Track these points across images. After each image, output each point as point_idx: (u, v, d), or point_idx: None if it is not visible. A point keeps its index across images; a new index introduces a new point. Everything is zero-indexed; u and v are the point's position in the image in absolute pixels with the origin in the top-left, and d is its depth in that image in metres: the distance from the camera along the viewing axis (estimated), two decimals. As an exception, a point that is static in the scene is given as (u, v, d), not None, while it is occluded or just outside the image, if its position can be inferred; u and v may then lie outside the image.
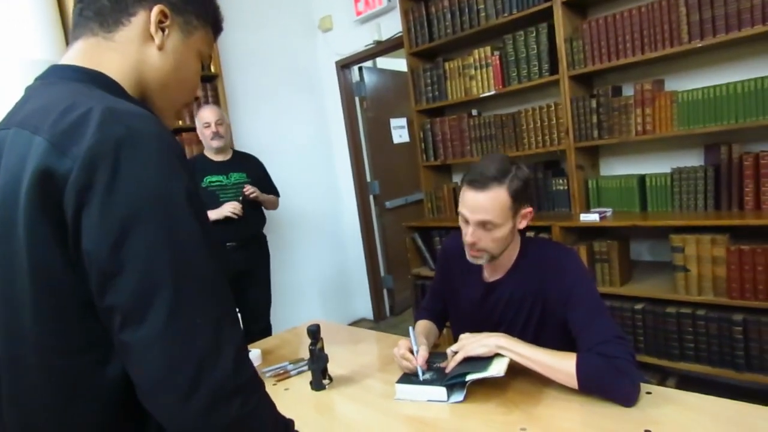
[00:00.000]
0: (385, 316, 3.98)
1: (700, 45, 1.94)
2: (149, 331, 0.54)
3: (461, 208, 1.25)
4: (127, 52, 0.68)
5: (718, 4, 1.89)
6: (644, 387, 1.09)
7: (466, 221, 1.24)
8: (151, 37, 0.69)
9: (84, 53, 0.68)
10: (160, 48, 0.70)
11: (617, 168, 2.46)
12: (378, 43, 3.35)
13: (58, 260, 0.56)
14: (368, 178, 3.84)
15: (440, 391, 1.16)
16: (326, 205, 3.85)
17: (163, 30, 0.70)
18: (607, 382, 1.04)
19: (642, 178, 2.25)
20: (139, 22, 0.68)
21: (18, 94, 0.71)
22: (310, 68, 3.74)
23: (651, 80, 2.15)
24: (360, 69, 3.75)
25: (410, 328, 1.34)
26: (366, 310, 3.98)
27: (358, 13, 3.37)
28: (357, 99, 3.77)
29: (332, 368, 1.35)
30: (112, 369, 0.59)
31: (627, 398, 1.04)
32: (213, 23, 0.77)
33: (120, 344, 0.55)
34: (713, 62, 2.10)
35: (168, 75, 0.72)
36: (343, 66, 3.67)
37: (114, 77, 0.67)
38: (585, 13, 2.40)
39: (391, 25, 3.22)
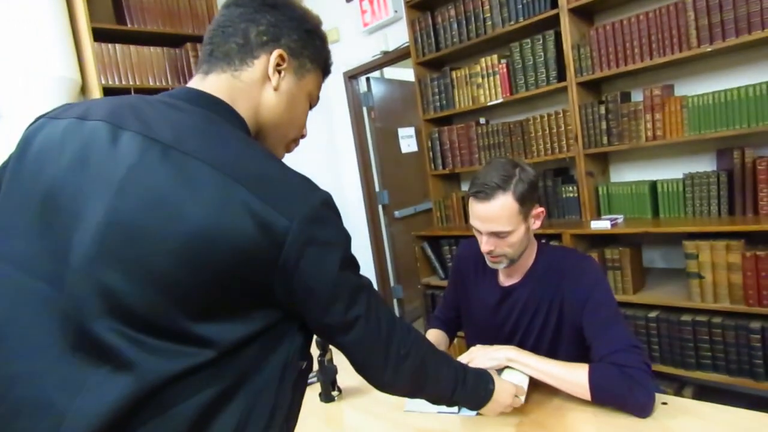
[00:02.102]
0: (396, 326, 3.95)
1: (709, 49, 1.92)
2: (355, 336, 0.73)
3: (472, 220, 1.24)
4: (251, 93, 0.76)
5: (727, 8, 1.88)
6: (660, 397, 1.06)
7: (480, 231, 1.23)
8: (269, 79, 0.76)
9: (222, 89, 0.74)
10: (276, 89, 0.77)
11: (628, 174, 2.44)
12: (385, 53, 3.36)
13: (258, 277, 0.64)
14: (377, 188, 3.84)
15: (450, 403, 1.14)
16: (335, 216, 3.85)
17: (279, 72, 0.77)
18: (621, 392, 1.02)
19: (653, 184, 2.22)
20: (260, 64, 0.75)
21: (39, 108, 0.74)
22: (318, 79, 3.77)
23: (660, 85, 2.14)
24: (367, 79, 3.76)
25: None
26: (376, 320, 3.95)
27: (365, 25, 3.40)
28: (365, 109, 3.78)
29: (341, 380, 1.34)
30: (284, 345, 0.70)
31: (642, 409, 1.01)
32: (323, 67, 0.85)
33: (336, 344, 0.75)
34: (723, 66, 2.08)
35: (281, 115, 0.79)
36: (351, 77, 3.69)
37: (243, 116, 0.75)
38: (592, 19, 2.40)
39: (398, 36, 3.24)
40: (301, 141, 0.91)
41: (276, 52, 0.76)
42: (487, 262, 1.29)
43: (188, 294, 0.61)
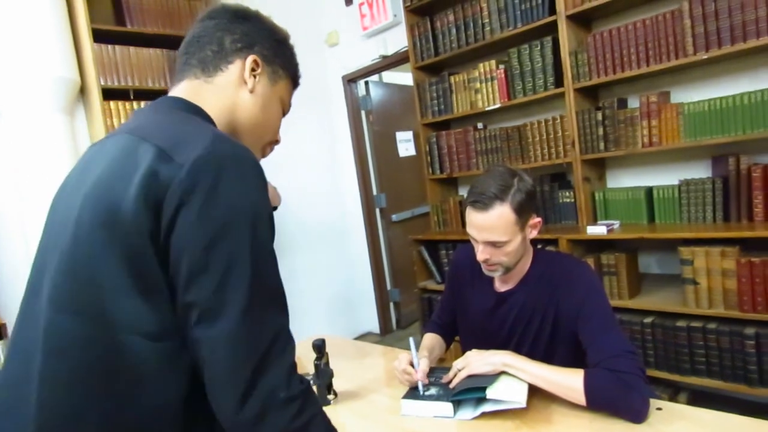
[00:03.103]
0: (392, 330, 3.95)
1: (705, 57, 1.94)
2: (219, 330, 0.59)
3: (468, 228, 1.25)
4: (223, 94, 0.79)
5: (723, 16, 1.89)
6: (654, 403, 1.07)
7: (476, 240, 1.24)
8: (245, 82, 0.80)
9: (189, 91, 0.79)
10: (251, 91, 0.81)
11: (624, 180, 2.45)
12: (384, 57, 3.38)
13: (150, 249, 0.61)
14: (375, 191, 3.85)
15: (447, 407, 1.15)
16: (333, 219, 3.85)
17: (254, 76, 0.81)
18: (616, 398, 1.03)
19: (649, 190, 2.23)
20: (235, 69, 0.80)
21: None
22: (316, 82, 3.77)
23: (657, 92, 2.15)
24: (366, 83, 3.78)
25: (410, 340, 1.33)
26: (372, 323, 3.96)
27: (365, 28, 3.41)
28: (363, 113, 3.80)
29: (337, 383, 1.34)
30: (181, 363, 0.63)
31: (637, 414, 1.02)
32: (293, 77, 0.89)
33: (192, 340, 0.61)
34: (719, 74, 2.10)
35: (256, 115, 0.82)
36: (350, 80, 3.70)
37: (210, 114, 0.78)
38: (589, 26, 2.41)
39: (397, 40, 3.25)
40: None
41: (251, 57, 0.80)
42: (483, 270, 1.30)
43: (106, 265, 0.62)
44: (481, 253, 1.23)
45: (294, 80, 0.90)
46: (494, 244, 1.21)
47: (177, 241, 0.60)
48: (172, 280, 0.61)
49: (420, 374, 1.22)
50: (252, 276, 0.61)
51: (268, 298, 0.64)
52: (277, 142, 0.90)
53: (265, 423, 0.60)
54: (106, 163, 0.67)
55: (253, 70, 0.81)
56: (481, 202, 1.18)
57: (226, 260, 0.60)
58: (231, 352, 0.59)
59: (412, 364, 1.25)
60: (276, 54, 0.84)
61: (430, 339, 1.48)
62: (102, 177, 0.66)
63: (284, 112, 0.90)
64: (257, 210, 0.64)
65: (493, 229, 1.19)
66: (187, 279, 0.59)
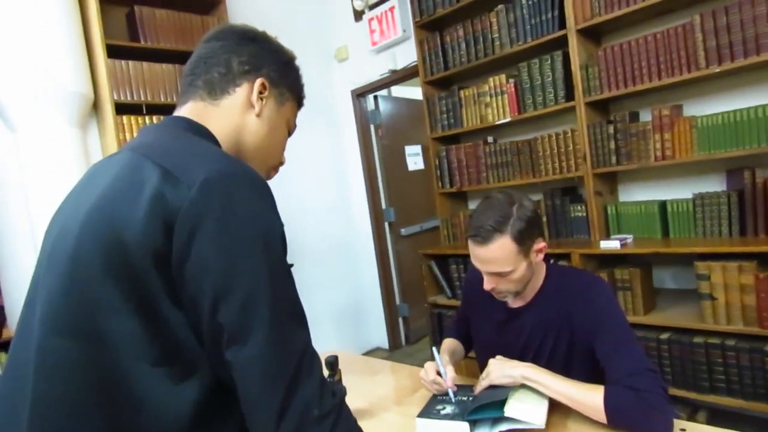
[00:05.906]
0: (401, 345, 3.91)
1: (718, 70, 1.93)
2: (250, 351, 0.59)
3: (472, 260, 1.24)
4: (230, 117, 0.78)
5: (735, 29, 1.88)
6: (678, 423, 1.04)
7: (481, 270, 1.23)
8: (251, 105, 0.79)
9: (194, 113, 0.78)
10: (258, 115, 0.80)
11: (637, 194, 2.42)
12: (393, 72, 3.40)
13: (154, 273, 0.60)
14: (383, 205, 3.84)
15: (463, 426, 1.12)
16: (341, 233, 3.84)
17: (262, 99, 0.80)
18: (638, 417, 1.00)
19: (663, 204, 2.21)
20: (242, 92, 0.79)
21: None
22: (326, 97, 3.80)
23: (669, 105, 2.14)
24: (375, 97, 3.80)
25: (433, 350, 1.32)
26: (381, 339, 3.92)
27: (374, 44, 3.43)
28: (372, 127, 3.81)
29: (349, 400, 1.30)
30: (185, 389, 0.62)
31: (660, 435, 0.99)
32: (298, 99, 0.89)
33: (225, 363, 0.60)
34: (732, 87, 2.08)
35: (263, 139, 0.81)
36: (359, 95, 3.72)
37: (216, 136, 0.76)
38: (599, 40, 2.41)
39: (407, 55, 3.27)
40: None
41: (259, 80, 0.80)
42: (494, 295, 1.28)
43: (106, 289, 0.60)
44: (487, 283, 1.22)
45: (299, 101, 0.89)
46: (499, 274, 1.20)
47: (195, 265, 0.59)
48: (194, 306, 0.60)
49: (449, 381, 1.21)
50: (273, 294, 0.61)
51: (290, 314, 0.64)
52: (281, 164, 0.90)
53: None
54: (109, 180, 0.66)
55: (260, 93, 0.80)
56: (480, 235, 1.17)
57: (248, 280, 0.60)
58: (264, 371, 0.59)
59: (439, 373, 1.24)
60: (282, 76, 0.84)
61: (450, 343, 1.48)
62: (105, 195, 0.65)
63: (290, 133, 0.89)
64: (270, 228, 0.64)
65: (496, 261, 1.18)
66: (212, 302, 0.59)
